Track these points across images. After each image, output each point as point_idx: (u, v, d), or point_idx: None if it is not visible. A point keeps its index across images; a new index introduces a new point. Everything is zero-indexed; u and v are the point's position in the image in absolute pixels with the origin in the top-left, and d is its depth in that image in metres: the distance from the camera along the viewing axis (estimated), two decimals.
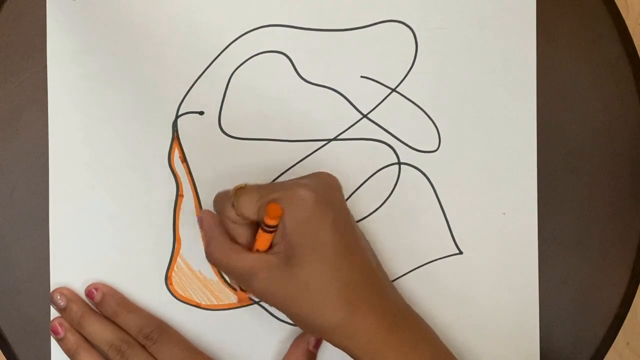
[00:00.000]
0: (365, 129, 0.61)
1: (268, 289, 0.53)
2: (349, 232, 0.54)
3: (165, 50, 0.60)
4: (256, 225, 0.54)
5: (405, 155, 0.61)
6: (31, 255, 0.60)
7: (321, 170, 0.56)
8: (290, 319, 0.54)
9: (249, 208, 0.53)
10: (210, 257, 0.55)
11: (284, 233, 0.52)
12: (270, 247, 0.53)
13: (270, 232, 0.52)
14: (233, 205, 0.53)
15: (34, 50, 0.60)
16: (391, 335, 0.53)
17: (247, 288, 0.54)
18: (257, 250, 0.53)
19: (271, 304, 0.54)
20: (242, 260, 0.53)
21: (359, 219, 0.61)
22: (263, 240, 0.53)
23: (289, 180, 0.55)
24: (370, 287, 0.53)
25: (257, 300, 0.60)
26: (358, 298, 0.52)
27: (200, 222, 0.56)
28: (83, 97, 0.60)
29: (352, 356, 0.53)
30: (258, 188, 0.54)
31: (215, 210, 0.55)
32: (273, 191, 0.53)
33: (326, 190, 0.54)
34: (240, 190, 0.53)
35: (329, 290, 0.52)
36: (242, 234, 0.54)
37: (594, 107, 0.62)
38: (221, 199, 0.55)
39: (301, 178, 0.55)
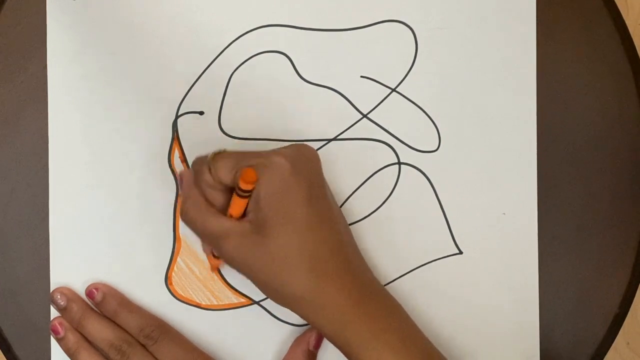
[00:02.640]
0: (365, 129, 0.61)
1: (238, 255, 0.53)
2: (322, 205, 0.54)
3: (165, 50, 0.60)
4: (231, 192, 0.54)
5: (405, 155, 0.61)
6: (31, 255, 0.60)
7: (301, 143, 0.56)
8: (259, 287, 0.54)
9: (225, 173, 0.53)
10: (185, 215, 0.55)
11: (257, 201, 0.52)
12: (244, 214, 0.53)
13: (244, 197, 0.53)
14: (210, 169, 0.53)
15: (34, 50, 0.60)
16: (358, 310, 0.53)
17: (218, 252, 0.55)
18: (231, 216, 0.53)
19: (240, 271, 0.54)
20: (215, 222, 0.53)
21: (358, 218, 0.61)
22: (237, 205, 0.53)
23: (269, 150, 0.55)
24: (339, 261, 0.53)
25: (254, 298, 0.60)
26: (325, 271, 0.52)
27: (180, 180, 0.57)
28: (83, 97, 0.60)
29: (319, 329, 0.53)
30: (235, 154, 0.54)
31: (193, 174, 0.55)
32: (250, 158, 0.53)
33: (302, 162, 0.54)
34: (218, 155, 0.54)
35: (296, 261, 0.52)
36: (217, 198, 0.54)
37: (594, 107, 0.62)
38: (199, 162, 0.55)
39: (280, 148, 0.55)
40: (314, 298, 0.52)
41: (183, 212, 0.55)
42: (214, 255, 0.58)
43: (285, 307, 0.54)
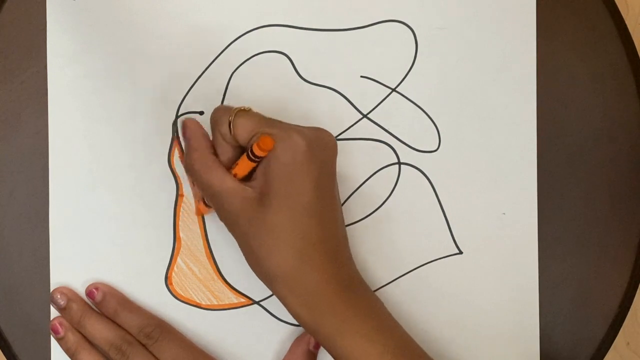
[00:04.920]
0: (365, 129, 0.61)
1: (235, 216, 0.53)
2: (327, 194, 0.54)
3: (166, 50, 0.60)
4: (240, 150, 0.55)
5: (405, 155, 0.61)
6: (31, 255, 0.60)
7: (323, 129, 0.56)
8: (244, 253, 0.54)
9: (243, 131, 0.54)
10: (190, 167, 0.55)
11: (266, 170, 0.53)
12: (249, 178, 0.54)
13: (254, 161, 0.53)
14: (230, 123, 0.54)
15: (34, 50, 0.60)
16: (335, 298, 0.53)
17: (215, 208, 0.55)
18: (235, 175, 0.54)
19: (231, 231, 0.54)
20: (221, 179, 0.54)
21: (359, 218, 0.61)
22: (244, 166, 0.54)
23: (291, 124, 0.55)
24: (327, 251, 0.53)
25: (254, 298, 0.60)
26: (312, 257, 0.53)
27: (184, 128, 0.58)
28: (83, 97, 0.60)
29: (290, 311, 0.53)
30: (258, 117, 0.54)
31: (211, 121, 0.56)
32: (271, 125, 0.53)
33: (319, 146, 0.54)
34: (242, 112, 0.54)
35: (287, 239, 0.52)
36: (226, 152, 0.55)
37: (594, 107, 0.62)
38: (220, 113, 0.55)
39: (303, 127, 0.55)
40: (294, 279, 0.53)
41: (189, 162, 0.55)
42: (204, 203, 0.58)
43: (263, 281, 0.54)
